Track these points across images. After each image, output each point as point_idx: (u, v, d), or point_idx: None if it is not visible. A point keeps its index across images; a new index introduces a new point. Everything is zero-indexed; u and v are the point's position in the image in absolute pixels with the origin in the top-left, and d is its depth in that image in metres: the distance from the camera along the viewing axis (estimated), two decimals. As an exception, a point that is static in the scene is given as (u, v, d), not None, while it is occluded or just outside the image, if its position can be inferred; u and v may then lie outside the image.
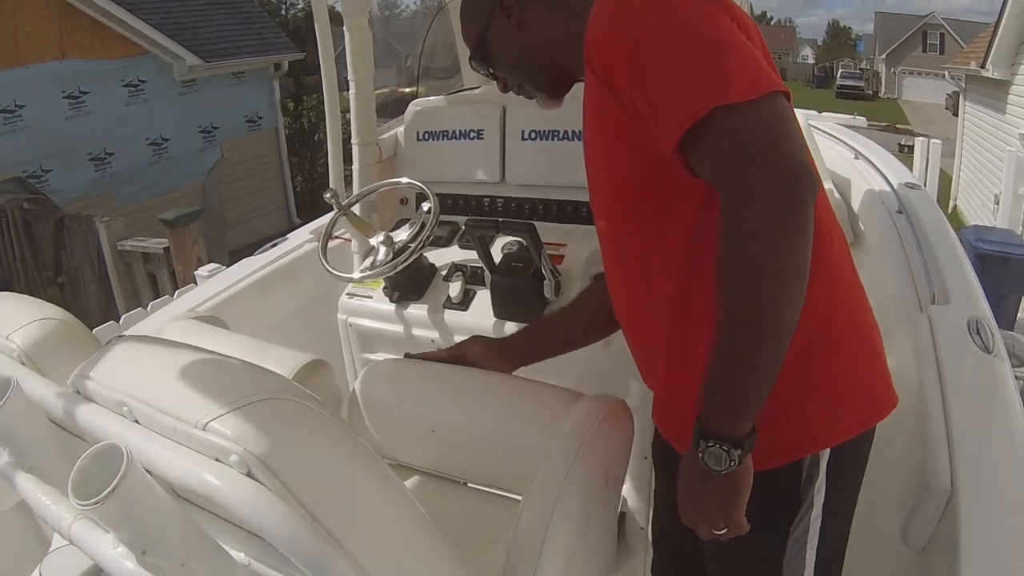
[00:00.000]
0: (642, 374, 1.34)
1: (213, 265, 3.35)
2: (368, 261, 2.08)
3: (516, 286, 1.87)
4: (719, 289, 0.98)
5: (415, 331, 2.05)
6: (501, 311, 1.92)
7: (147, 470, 0.89)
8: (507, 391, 1.57)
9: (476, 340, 1.65)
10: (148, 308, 3.22)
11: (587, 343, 1.60)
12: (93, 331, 2.33)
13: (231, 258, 2.77)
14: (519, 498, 1.51)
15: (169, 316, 2.04)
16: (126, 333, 1.11)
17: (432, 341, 2.01)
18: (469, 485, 1.65)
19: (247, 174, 10.99)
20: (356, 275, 1.99)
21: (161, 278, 5.19)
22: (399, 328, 2.07)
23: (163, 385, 0.98)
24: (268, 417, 0.91)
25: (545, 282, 1.86)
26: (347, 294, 2.17)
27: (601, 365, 1.78)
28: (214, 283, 2.52)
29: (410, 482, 1.67)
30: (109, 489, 0.80)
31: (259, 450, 0.86)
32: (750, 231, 0.93)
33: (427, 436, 1.56)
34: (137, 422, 0.97)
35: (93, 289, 5.69)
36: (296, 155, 11.79)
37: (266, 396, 0.94)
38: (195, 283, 3.03)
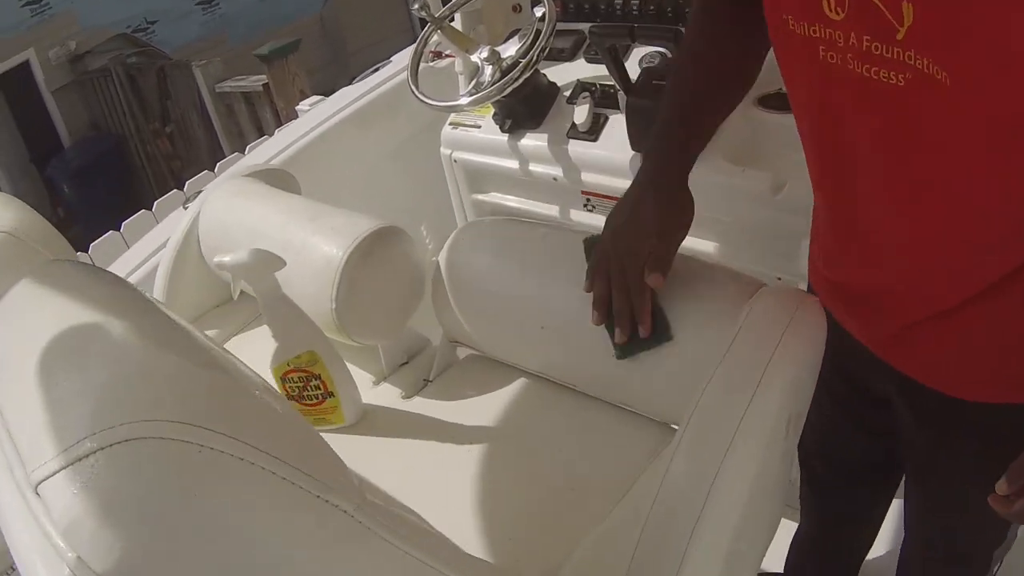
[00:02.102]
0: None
1: (315, 98, 3.14)
2: (474, 84, 1.71)
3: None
4: None
5: (532, 166, 1.69)
6: (640, 142, 1.52)
7: None
8: None
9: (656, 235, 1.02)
10: (246, 151, 3.04)
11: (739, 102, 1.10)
12: (92, 244, 2.06)
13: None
14: (665, 423, 1.17)
15: (233, 172, 1.71)
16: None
17: (555, 179, 1.65)
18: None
19: (366, -3, 10.56)
20: (461, 100, 1.62)
21: (264, 116, 5.01)
22: (513, 163, 1.71)
23: (19, 385, 0.57)
24: (125, 478, 0.49)
25: (697, 104, 1.44)
26: (450, 124, 1.82)
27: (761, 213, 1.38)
28: (310, 119, 2.24)
29: (515, 385, 1.32)
30: None
31: (102, 565, 0.46)
32: None
33: (535, 333, 1.20)
34: None
35: (200, 135, 5.59)
36: (417, -29, 11.24)
37: (124, 435, 0.49)
38: (297, 118, 2.78)
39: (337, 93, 2.39)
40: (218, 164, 3.09)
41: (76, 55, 6.18)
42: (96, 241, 3.21)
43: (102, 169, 5.85)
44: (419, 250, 1.36)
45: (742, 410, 0.84)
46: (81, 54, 6.28)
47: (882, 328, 0.95)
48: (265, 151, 2.15)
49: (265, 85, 4.95)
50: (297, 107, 3.06)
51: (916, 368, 0.95)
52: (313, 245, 1.26)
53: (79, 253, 2.68)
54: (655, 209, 1.01)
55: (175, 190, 2.38)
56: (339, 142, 2.13)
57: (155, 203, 3.26)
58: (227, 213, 1.49)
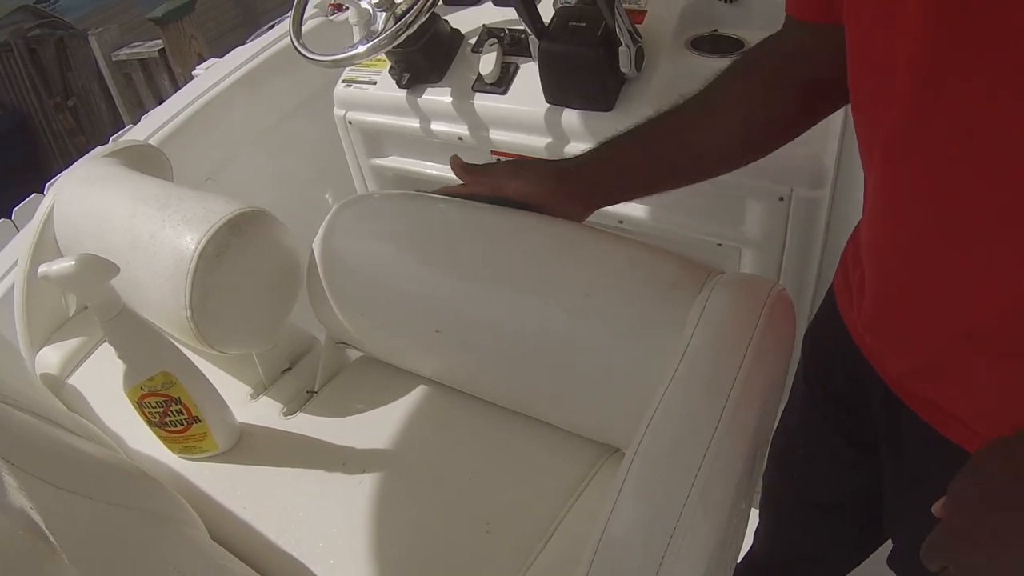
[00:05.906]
0: None
1: (211, 61, 2.93)
2: (366, 34, 1.50)
3: (577, 56, 1.27)
4: None
5: (435, 125, 1.50)
6: (555, 93, 1.35)
7: None
8: (573, 253, 0.93)
9: (523, 166, 0.99)
10: (141, 120, 2.83)
11: (717, 172, 0.92)
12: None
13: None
14: (600, 443, 0.98)
15: (95, 152, 1.45)
16: None
17: (460, 139, 1.46)
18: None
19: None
20: (347, 52, 1.38)
21: (162, 83, 4.69)
22: (413, 122, 1.52)
23: None
24: None
25: (621, 49, 1.27)
26: (343, 81, 1.62)
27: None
28: (199, 84, 2.02)
29: (414, 396, 1.12)
30: None
31: None
32: None
33: (430, 337, 1.01)
34: None
35: (103, 106, 5.25)
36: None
37: None
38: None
39: (230, 54, 2.18)
40: (111, 138, 2.84)
41: (-23, 32, 5.80)
42: (-17, 231, 2.95)
43: (7, 150, 5.51)
44: (293, 236, 1.13)
45: (703, 449, 0.65)
46: (-17, 30, 5.89)
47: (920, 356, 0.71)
48: (150, 123, 1.93)
49: (161, 51, 4.63)
50: (193, 72, 2.87)
51: (940, 409, 0.71)
52: (163, 240, 1.04)
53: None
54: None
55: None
56: (229, 108, 1.92)
57: (46, 185, 3.01)
58: (78, 204, 1.25)
